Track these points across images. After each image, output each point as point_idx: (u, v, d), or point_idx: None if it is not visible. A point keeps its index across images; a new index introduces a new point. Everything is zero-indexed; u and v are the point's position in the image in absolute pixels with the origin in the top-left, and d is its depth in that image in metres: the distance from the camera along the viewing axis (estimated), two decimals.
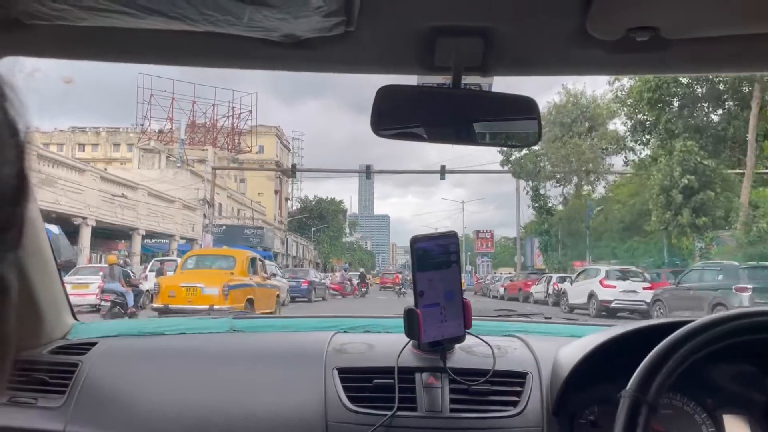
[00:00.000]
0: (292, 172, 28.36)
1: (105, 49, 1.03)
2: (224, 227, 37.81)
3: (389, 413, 1.10)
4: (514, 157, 31.20)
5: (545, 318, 1.75)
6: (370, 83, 1.01)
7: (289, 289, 16.07)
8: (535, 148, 32.90)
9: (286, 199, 71.86)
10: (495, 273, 43.58)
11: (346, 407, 1.13)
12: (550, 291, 22.60)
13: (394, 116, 1.06)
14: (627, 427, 0.77)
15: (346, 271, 30.00)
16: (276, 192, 67.63)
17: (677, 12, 0.85)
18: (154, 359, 1.31)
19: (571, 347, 1.16)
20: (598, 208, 31.98)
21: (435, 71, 1.05)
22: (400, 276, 36.86)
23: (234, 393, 1.18)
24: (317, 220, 69.14)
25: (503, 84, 1.07)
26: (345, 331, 1.40)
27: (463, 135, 1.09)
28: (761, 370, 1.08)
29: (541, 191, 34.19)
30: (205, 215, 32.21)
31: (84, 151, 53.08)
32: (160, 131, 39.36)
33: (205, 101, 46.39)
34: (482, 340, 1.24)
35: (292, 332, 1.47)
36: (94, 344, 1.34)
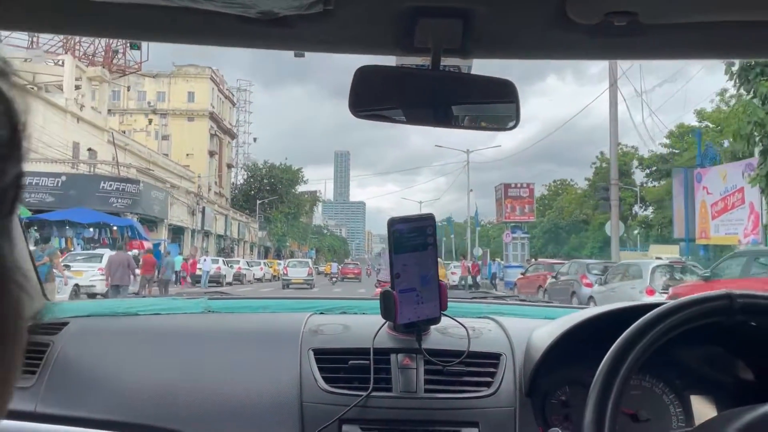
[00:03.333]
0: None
1: (77, 22, 1.00)
2: (63, 177, 21.34)
3: (364, 394, 1.12)
4: None
5: (520, 300, 1.80)
6: (351, 67, 0.99)
7: None
8: None
9: (229, 166, 55.00)
10: (534, 261, 25.86)
11: (321, 388, 1.15)
12: None
13: (372, 97, 1.05)
14: (597, 408, 0.80)
15: (380, 255, 12.84)
16: (212, 154, 50.49)
17: None
18: (128, 339, 1.32)
19: (544, 329, 1.19)
20: None
21: (414, 52, 1.04)
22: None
23: (208, 373, 1.20)
24: (268, 192, 52.72)
25: (483, 67, 1.06)
26: (321, 313, 1.42)
27: (441, 117, 1.08)
28: (728, 351, 1.12)
29: None
30: None
31: None
32: None
33: None
34: (457, 321, 1.26)
35: (267, 313, 1.49)
36: (65, 324, 1.33)
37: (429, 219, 1.17)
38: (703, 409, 1.10)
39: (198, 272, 24.10)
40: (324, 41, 1.02)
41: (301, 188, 59.75)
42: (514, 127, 1.09)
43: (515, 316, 1.44)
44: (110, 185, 24.04)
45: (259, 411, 1.13)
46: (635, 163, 39.39)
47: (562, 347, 1.09)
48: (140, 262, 14.43)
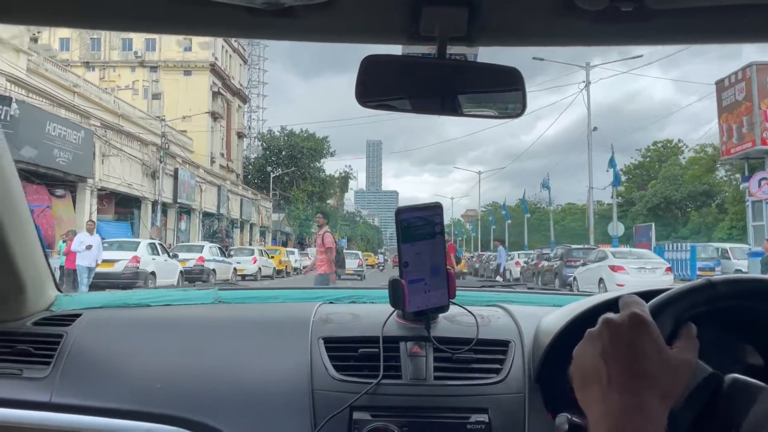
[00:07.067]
0: None
1: (75, 13, 0.97)
2: None
3: (374, 381, 1.16)
4: None
5: (528, 288, 1.84)
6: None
7: None
8: None
9: (239, 135, 44.59)
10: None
11: (332, 376, 1.18)
12: None
13: (378, 87, 1.06)
14: None
15: None
16: (215, 117, 39.26)
17: None
18: (140, 330, 1.35)
19: (552, 316, 1.22)
20: None
21: (420, 41, 1.04)
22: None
23: (220, 363, 1.23)
24: (285, 166, 42.31)
25: (490, 55, 1.08)
26: (331, 302, 1.45)
27: (447, 106, 1.09)
28: (736, 337, 1.14)
29: None
30: None
31: None
32: None
33: None
34: (466, 309, 1.29)
35: (277, 303, 1.52)
36: (78, 315, 1.37)
37: (437, 207, 1.19)
38: None
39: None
40: (329, 31, 1.03)
41: (328, 164, 49.38)
42: (521, 114, 1.10)
43: (523, 303, 1.47)
44: None
45: (271, 399, 1.16)
46: None
47: (571, 333, 1.11)
48: None
